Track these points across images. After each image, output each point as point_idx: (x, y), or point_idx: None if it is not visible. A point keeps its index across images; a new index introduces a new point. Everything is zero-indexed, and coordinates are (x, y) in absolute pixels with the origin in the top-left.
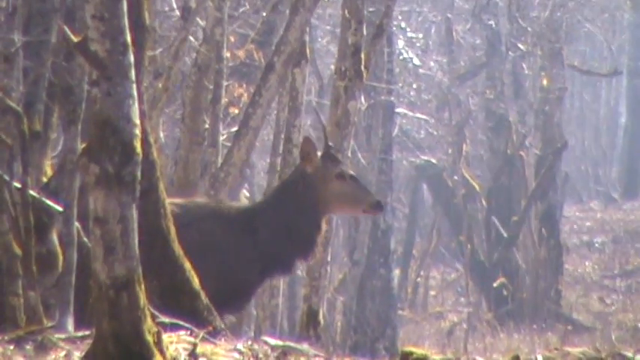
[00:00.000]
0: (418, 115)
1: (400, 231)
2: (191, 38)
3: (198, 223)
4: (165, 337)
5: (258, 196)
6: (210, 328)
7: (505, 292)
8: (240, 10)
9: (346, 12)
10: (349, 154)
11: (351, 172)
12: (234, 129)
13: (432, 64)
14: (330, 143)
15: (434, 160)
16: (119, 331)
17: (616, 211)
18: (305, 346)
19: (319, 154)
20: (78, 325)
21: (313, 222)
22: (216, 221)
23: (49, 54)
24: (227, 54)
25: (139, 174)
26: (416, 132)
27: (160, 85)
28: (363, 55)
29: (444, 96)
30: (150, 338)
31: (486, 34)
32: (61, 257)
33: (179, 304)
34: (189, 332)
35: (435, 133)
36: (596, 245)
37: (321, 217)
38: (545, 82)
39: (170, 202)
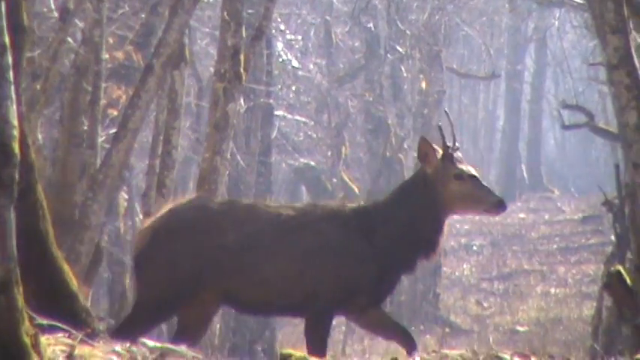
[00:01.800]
0: (297, 117)
1: None
2: (69, 40)
3: (313, 224)
4: (43, 339)
5: (137, 198)
6: (89, 331)
7: None
8: (119, 11)
9: (225, 14)
10: (228, 156)
11: (472, 172)
12: (113, 131)
13: (311, 66)
14: (449, 143)
15: (313, 163)
16: None
17: None
18: (183, 349)
19: (439, 154)
20: None
21: (434, 222)
22: (330, 222)
23: None
24: (106, 55)
25: (17, 176)
26: (295, 134)
27: (39, 87)
28: (242, 57)
29: (323, 98)
30: (27, 340)
31: (365, 37)
32: None
33: (57, 306)
34: (67, 334)
35: (314, 135)
36: (474, 248)
37: (443, 217)
38: (423, 85)
39: (285, 206)
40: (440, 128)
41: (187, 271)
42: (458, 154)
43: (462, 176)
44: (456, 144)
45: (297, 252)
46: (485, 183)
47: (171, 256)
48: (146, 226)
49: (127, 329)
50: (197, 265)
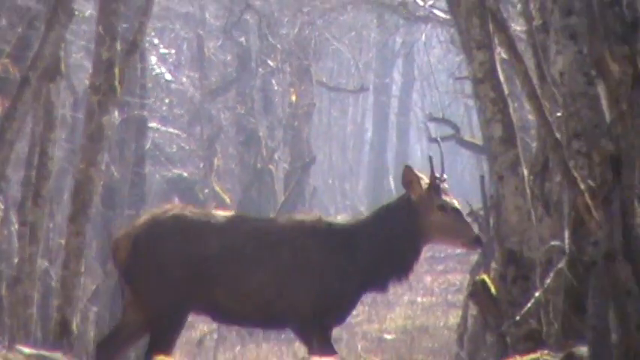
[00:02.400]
0: (170, 129)
1: None
2: None
3: (293, 241)
4: None
5: (13, 208)
6: None
7: None
8: None
9: (100, 28)
10: (103, 167)
11: (455, 205)
12: None
13: (184, 79)
14: (437, 174)
15: (185, 174)
16: None
17: None
18: (58, 355)
19: (424, 182)
20: None
21: (412, 248)
22: (311, 237)
23: None
24: None
25: None
26: (168, 146)
27: None
28: (116, 71)
29: (195, 111)
30: None
31: (237, 51)
32: None
33: None
34: None
35: (187, 147)
36: None
37: (421, 244)
38: (294, 98)
39: (262, 219)
40: (430, 159)
41: (177, 277)
42: (444, 186)
43: (446, 208)
44: (444, 175)
45: (277, 267)
46: (468, 218)
47: (159, 264)
48: (124, 234)
49: (160, 345)
50: (184, 273)
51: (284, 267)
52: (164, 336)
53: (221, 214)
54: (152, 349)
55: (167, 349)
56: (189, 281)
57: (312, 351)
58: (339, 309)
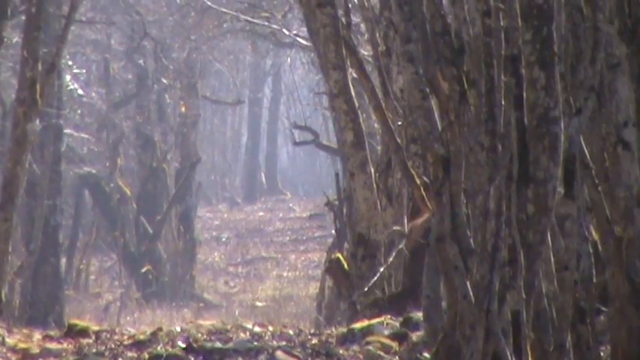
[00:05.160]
0: (82, 134)
1: (67, 227)
2: None
3: None
4: None
5: None
6: None
7: (150, 277)
8: None
9: (25, 52)
10: (27, 166)
11: None
12: None
13: (93, 94)
14: None
15: (94, 171)
16: None
17: (239, 213)
18: None
19: None
20: None
21: None
22: None
23: None
24: None
25: None
26: (80, 148)
27: None
28: (38, 87)
29: (102, 119)
30: None
31: (136, 71)
32: None
33: None
34: None
35: (96, 149)
36: (223, 239)
37: None
38: (183, 109)
39: None
40: None
41: None
42: None
43: None
44: None
45: None
46: None
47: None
48: (419, 223)
49: None
50: None
51: None
52: None
53: None
54: None
55: None
56: None
57: None
58: None
